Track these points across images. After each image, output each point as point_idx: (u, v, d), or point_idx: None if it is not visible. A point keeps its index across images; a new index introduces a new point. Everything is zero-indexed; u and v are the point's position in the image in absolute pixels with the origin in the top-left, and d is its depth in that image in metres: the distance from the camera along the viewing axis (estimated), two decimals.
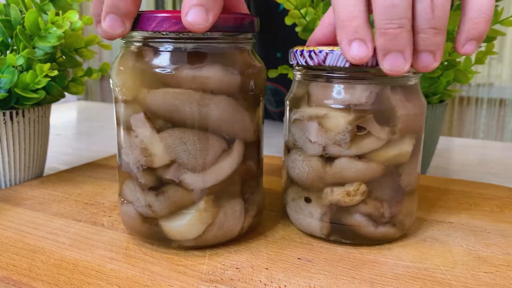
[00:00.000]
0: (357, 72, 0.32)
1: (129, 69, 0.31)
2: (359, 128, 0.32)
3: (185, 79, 0.30)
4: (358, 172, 0.32)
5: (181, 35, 0.30)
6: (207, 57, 0.30)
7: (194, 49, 0.30)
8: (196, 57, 0.30)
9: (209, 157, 0.31)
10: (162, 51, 0.30)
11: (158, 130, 0.31)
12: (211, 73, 0.30)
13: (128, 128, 0.32)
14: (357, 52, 0.30)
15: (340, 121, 0.32)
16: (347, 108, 0.32)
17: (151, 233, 0.33)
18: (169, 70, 0.30)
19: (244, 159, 0.33)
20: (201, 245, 0.33)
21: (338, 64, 0.31)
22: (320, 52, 0.32)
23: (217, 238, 0.33)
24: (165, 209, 0.32)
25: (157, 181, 0.32)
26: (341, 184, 0.33)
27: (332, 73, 0.32)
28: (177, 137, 0.31)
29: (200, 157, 0.31)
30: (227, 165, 0.32)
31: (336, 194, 0.33)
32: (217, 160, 0.31)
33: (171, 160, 0.31)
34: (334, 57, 0.31)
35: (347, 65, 0.31)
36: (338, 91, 0.32)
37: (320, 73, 0.33)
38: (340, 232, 0.34)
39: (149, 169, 0.31)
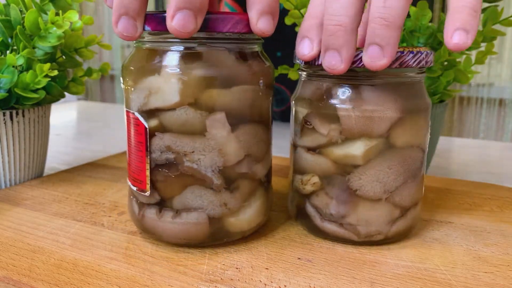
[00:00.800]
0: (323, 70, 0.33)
1: (191, 73, 0.30)
2: (306, 121, 0.34)
3: (256, 75, 0.32)
4: (308, 163, 0.34)
5: (241, 35, 0.31)
6: (257, 55, 0.33)
7: (248, 49, 0.32)
8: (252, 56, 0.32)
9: (266, 146, 0.34)
10: (231, 50, 0.31)
11: (232, 129, 0.31)
12: (270, 69, 0.33)
13: (200, 131, 0.31)
14: (302, 49, 0.32)
15: (296, 113, 0.35)
16: (303, 102, 0.34)
17: (214, 234, 0.33)
18: (241, 68, 0.31)
19: None
20: (258, 228, 0.35)
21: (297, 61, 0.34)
22: None
23: (266, 217, 0.36)
24: (239, 203, 0.33)
25: (230, 179, 0.32)
26: (301, 172, 0.35)
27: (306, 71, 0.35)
28: (252, 131, 0.32)
29: (263, 147, 0.34)
30: (271, 151, 0.36)
31: (295, 181, 0.36)
32: (268, 148, 0.35)
33: (245, 154, 0.32)
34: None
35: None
36: (303, 87, 0.35)
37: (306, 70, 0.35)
38: (301, 217, 0.36)
39: (224, 168, 0.32)
